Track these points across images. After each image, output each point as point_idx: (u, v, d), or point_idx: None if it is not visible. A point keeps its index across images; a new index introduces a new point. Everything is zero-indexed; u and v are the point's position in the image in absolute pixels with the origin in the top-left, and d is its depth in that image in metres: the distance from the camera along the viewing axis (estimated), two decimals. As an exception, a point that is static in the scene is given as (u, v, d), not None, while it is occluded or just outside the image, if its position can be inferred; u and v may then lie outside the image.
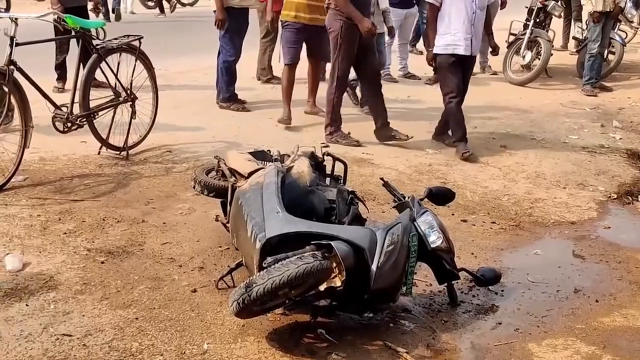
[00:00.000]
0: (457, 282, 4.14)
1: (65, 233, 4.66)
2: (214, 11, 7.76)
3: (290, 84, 7.74)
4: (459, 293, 4.16)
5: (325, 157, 4.73)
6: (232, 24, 7.75)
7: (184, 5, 17.84)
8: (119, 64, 6.20)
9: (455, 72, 6.81)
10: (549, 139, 7.47)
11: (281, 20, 7.70)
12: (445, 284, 4.06)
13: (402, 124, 7.25)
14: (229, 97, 8.14)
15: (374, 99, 7.16)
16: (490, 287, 4.26)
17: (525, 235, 5.19)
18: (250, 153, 4.84)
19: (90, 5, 8.45)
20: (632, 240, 4.78)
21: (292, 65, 7.70)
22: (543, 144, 7.40)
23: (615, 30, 10.61)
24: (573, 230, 5.29)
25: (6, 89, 5.28)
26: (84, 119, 5.93)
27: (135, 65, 6.31)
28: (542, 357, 3.61)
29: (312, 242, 3.49)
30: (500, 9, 10.60)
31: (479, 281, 4.17)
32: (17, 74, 5.33)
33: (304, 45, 7.78)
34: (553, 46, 10.70)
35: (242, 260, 3.94)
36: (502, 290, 4.33)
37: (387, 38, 8.96)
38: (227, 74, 8.08)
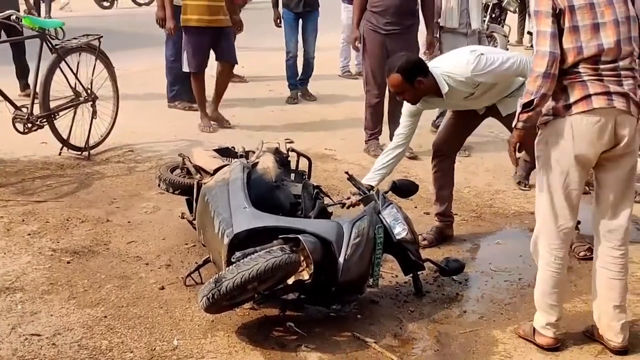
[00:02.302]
0: (423, 273, 4.21)
1: (29, 234, 4.63)
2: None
3: (203, 91, 7.46)
4: (424, 283, 4.22)
5: (290, 153, 4.78)
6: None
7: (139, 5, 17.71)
8: (78, 63, 6.17)
9: None
10: (507, 133, 7.56)
11: (182, 27, 7.25)
12: (411, 275, 4.12)
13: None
14: (172, 96, 8.09)
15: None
16: (454, 276, 4.33)
17: (487, 226, 5.28)
18: (215, 150, 4.87)
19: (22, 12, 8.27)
20: (590, 228, 4.85)
21: (200, 73, 7.38)
22: (502, 137, 7.50)
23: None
24: (533, 220, 5.29)
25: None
26: (45, 120, 5.89)
27: (95, 64, 6.28)
28: (506, 343, 3.69)
29: (280, 237, 3.52)
30: None
31: (443, 271, 4.24)
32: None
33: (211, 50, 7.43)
34: (509, 41, 10.89)
35: (209, 257, 3.96)
36: (466, 280, 4.40)
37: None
38: (170, 74, 8.03)
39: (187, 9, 7.15)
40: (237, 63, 7.70)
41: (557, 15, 3.27)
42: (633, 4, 3.36)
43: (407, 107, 4.60)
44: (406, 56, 4.46)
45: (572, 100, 3.27)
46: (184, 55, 7.28)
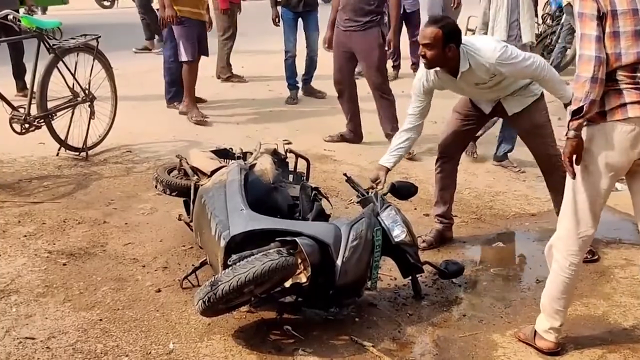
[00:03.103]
0: (421, 276, 4.17)
1: (25, 236, 4.60)
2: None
3: (195, 81, 7.67)
4: (423, 286, 4.19)
5: (288, 154, 4.74)
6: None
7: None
8: (76, 63, 6.13)
9: None
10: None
11: (180, 17, 7.36)
12: (410, 278, 4.08)
13: (365, 120, 7.27)
14: (170, 97, 8.07)
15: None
16: (453, 279, 4.29)
17: (487, 228, 5.24)
18: (212, 151, 4.83)
19: (23, 10, 8.24)
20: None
21: (195, 62, 7.57)
22: (502, 138, 7.48)
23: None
24: (533, 222, 5.36)
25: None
26: (42, 120, 5.86)
27: (93, 64, 6.25)
28: (506, 347, 3.66)
29: (277, 239, 3.48)
30: (454, 9, 10.66)
31: (442, 274, 4.19)
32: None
33: None
34: (510, 41, 10.82)
35: (206, 259, 3.92)
36: (466, 283, 4.37)
37: None
38: (168, 74, 8.02)
39: (178, 1, 7.32)
40: (207, 55, 7.87)
41: (601, 18, 3.18)
42: None
43: (416, 86, 4.57)
44: (452, 21, 4.45)
45: (607, 107, 3.20)
46: (180, 46, 7.43)
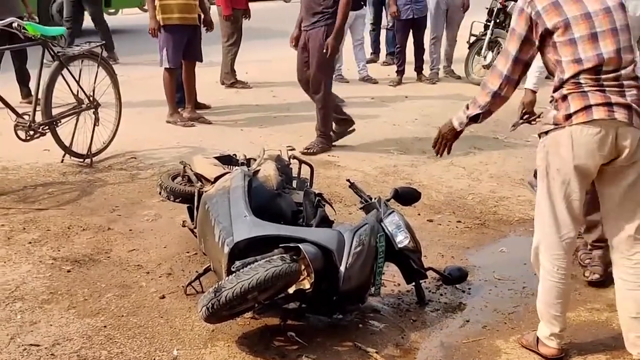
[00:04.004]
0: (425, 282, 4.17)
1: (30, 242, 4.62)
2: None
3: (174, 88, 7.74)
4: (426, 292, 4.19)
5: (292, 160, 4.75)
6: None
7: (145, 11, 17.73)
8: (80, 70, 6.16)
9: None
10: (512, 138, 7.55)
11: (163, 25, 7.46)
12: (413, 284, 4.08)
13: (368, 125, 7.29)
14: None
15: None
16: (457, 285, 4.29)
17: (491, 234, 5.24)
18: (216, 157, 4.84)
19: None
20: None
21: (176, 69, 7.65)
22: (506, 143, 7.49)
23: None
24: (537, 228, 5.35)
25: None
26: (47, 127, 5.88)
27: (97, 71, 6.27)
28: (509, 354, 3.65)
29: (280, 245, 3.49)
30: (463, 12, 10.73)
31: (446, 280, 4.20)
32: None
33: None
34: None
35: (210, 266, 3.93)
36: (469, 288, 4.36)
37: None
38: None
39: (166, 8, 7.41)
40: (201, 60, 7.93)
41: (528, 41, 3.34)
42: None
43: None
44: None
45: (572, 110, 3.22)
46: (163, 53, 7.53)
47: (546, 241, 3.46)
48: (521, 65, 3.41)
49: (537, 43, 3.34)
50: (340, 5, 6.67)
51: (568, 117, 3.24)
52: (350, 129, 7.23)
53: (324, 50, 6.67)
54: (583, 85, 3.22)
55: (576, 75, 3.23)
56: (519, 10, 3.36)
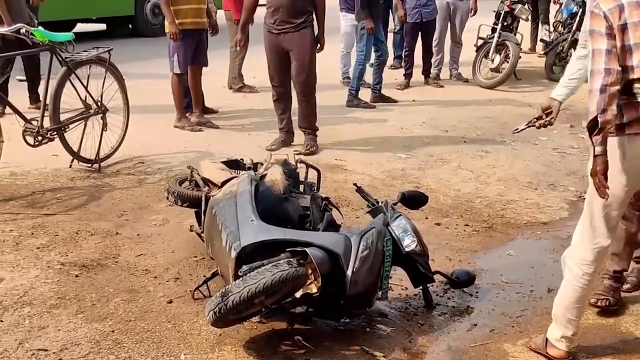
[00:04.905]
0: (432, 285, 4.16)
1: (38, 247, 4.63)
2: None
3: (182, 92, 7.76)
4: (434, 296, 4.18)
5: (299, 164, 4.76)
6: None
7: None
8: (89, 76, 6.19)
9: None
10: (519, 141, 7.54)
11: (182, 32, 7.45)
12: (421, 287, 4.08)
13: (375, 129, 7.29)
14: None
15: None
16: (464, 289, 4.29)
17: (498, 237, 5.23)
18: (223, 162, 4.85)
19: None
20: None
21: (184, 75, 7.65)
22: (513, 146, 7.47)
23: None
24: (545, 231, 5.35)
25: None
26: (55, 132, 5.90)
27: (105, 77, 6.30)
28: (517, 357, 3.64)
29: (287, 250, 3.49)
30: (472, 15, 10.75)
31: (453, 283, 4.20)
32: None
33: None
34: (521, 49, 10.84)
35: (217, 270, 3.94)
36: (477, 292, 4.35)
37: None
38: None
39: (179, 13, 7.41)
40: (206, 65, 7.92)
41: (610, 34, 3.16)
42: None
43: None
44: None
45: (625, 120, 3.19)
46: (174, 58, 7.52)
47: (580, 245, 3.46)
48: (614, 55, 3.17)
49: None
50: (319, 5, 6.86)
51: (621, 126, 3.21)
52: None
53: (317, 49, 6.84)
54: (637, 95, 3.18)
55: (630, 83, 3.17)
56: (590, 12, 3.26)
